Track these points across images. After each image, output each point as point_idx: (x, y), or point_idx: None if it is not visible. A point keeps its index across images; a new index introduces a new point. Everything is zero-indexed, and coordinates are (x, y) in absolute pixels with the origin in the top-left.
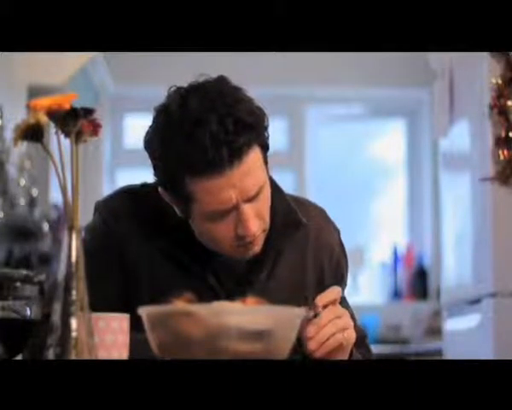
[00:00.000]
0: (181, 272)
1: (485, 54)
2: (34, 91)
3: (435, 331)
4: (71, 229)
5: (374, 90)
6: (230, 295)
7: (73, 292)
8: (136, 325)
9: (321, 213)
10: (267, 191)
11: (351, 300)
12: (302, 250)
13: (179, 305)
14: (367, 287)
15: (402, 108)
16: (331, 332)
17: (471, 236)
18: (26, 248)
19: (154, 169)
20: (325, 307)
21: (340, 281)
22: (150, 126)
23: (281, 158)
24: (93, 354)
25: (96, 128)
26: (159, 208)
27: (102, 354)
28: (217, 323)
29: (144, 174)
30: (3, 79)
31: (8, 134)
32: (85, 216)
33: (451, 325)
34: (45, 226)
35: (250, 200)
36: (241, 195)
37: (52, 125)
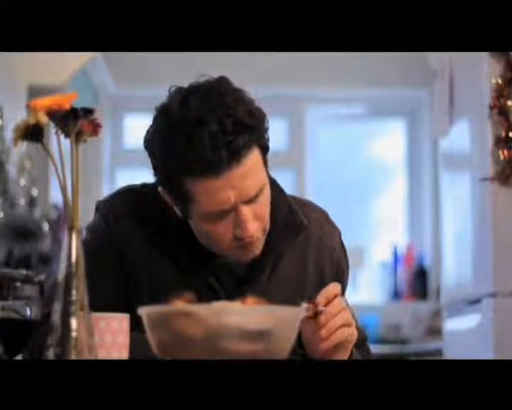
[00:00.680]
0: (181, 272)
1: (485, 54)
2: (34, 91)
3: (435, 331)
4: (71, 229)
5: (374, 90)
6: (230, 295)
7: (73, 292)
8: (136, 325)
9: (322, 214)
10: (267, 193)
11: (351, 300)
12: (303, 252)
13: (179, 305)
14: (367, 287)
15: (402, 108)
16: (339, 323)
17: (471, 236)
18: (26, 248)
19: (154, 169)
20: (328, 303)
21: (341, 282)
22: (150, 126)
23: (281, 158)
24: (93, 354)
25: (96, 128)
26: (159, 208)
27: (102, 354)
28: (217, 323)
29: (144, 174)
30: (3, 79)
31: (8, 134)
32: (85, 216)
33: (451, 325)
34: (45, 226)
35: (249, 201)
36: (240, 196)
37: (52, 125)
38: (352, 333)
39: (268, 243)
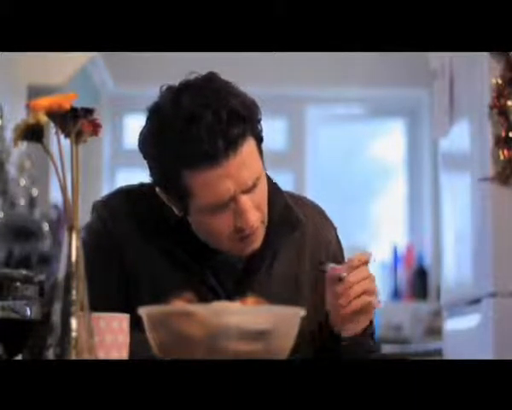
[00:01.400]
0: (180, 272)
1: (485, 54)
2: (34, 91)
3: (435, 331)
4: (71, 229)
5: (374, 90)
6: (230, 295)
7: (73, 292)
8: (136, 324)
9: (318, 210)
10: (264, 184)
11: None
12: (299, 247)
13: (179, 305)
14: None
15: (402, 108)
16: (359, 292)
17: (471, 236)
18: (26, 248)
19: (150, 169)
20: (357, 267)
21: None
22: (144, 127)
23: (281, 158)
24: (93, 354)
25: (95, 128)
26: (157, 208)
27: (102, 354)
28: (217, 323)
29: (144, 174)
30: (3, 79)
31: (8, 134)
32: (85, 216)
33: (451, 324)
34: (45, 226)
35: (247, 191)
36: (239, 186)
37: (52, 125)
38: (371, 301)
39: (265, 239)
